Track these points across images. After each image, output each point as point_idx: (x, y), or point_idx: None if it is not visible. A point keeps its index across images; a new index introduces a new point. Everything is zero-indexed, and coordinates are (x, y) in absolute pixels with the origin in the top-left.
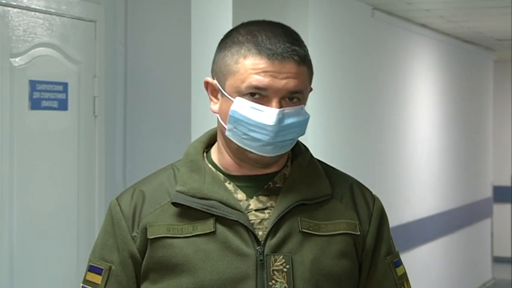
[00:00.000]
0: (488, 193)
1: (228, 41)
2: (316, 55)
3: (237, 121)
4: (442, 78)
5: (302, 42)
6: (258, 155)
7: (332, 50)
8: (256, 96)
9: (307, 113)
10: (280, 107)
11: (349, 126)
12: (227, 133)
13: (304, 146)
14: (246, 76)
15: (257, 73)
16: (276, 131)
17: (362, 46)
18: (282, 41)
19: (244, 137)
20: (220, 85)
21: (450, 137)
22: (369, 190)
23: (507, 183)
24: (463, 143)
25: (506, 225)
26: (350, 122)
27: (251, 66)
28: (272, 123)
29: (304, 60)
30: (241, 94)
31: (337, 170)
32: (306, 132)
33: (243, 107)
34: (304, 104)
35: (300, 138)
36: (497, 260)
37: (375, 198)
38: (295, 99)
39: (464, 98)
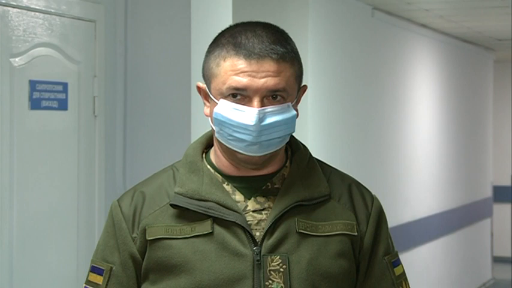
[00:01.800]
0: (488, 193)
1: (213, 44)
2: (316, 55)
3: (221, 123)
4: (442, 78)
5: (286, 40)
6: (246, 155)
7: (332, 50)
8: (238, 97)
9: (294, 110)
10: (262, 106)
11: (349, 126)
12: (216, 135)
13: (304, 145)
14: (226, 78)
15: (236, 74)
16: (258, 131)
17: (362, 46)
18: (261, 41)
19: (230, 138)
20: (208, 88)
21: (450, 137)
22: (367, 190)
23: (507, 183)
24: (463, 143)
25: (506, 225)
26: (350, 122)
27: (230, 67)
28: (253, 123)
29: (284, 58)
30: (224, 96)
31: (336, 169)
32: (306, 132)
33: (226, 108)
34: (292, 101)
35: (300, 138)
36: (497, 260)
37: (373, 199)
38: (278, 98)
39: (464, 98)
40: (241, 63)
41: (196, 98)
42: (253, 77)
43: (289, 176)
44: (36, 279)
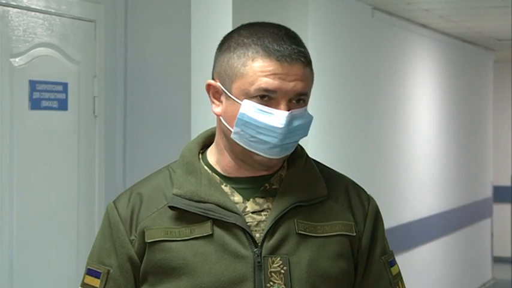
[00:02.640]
0: (488, 193)
1: (231, 43)
2: (316, 55)
3: (245, 124)
4: (442, 78)
5: (303, 43)
6: (265, 157)
7: (332, 50)
8: (265, 98)
9: (311, 115)
10: (288, 110)
11: (349, 126)
12: (233, 136)
13: (300, 146)
14: (255, 79)
15: (266, 75)
16: (284, 133)
17: (362, 46)
18: (288, 43)
19: (252, 139)
20: (226, 88)
21: (450, 137)
22: (363, 190)
23: (507, 183)
24: (463, 143)
25: (506, 225)
26: (350, 122)
27: (260, 68)
28: (282, 126)
29: (309, 62)
30: (249, 97)
31: (332, 170)
32: None
33: (252, 109)
34: (307, 105)
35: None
36: (497, 260)
37: (369, 199)
38: (301, 101)
39: (464, 98)
40: (273, 65)
41: (197, 97)
42: (283, 79)
43: (287, 176)
44: (36, 279)
